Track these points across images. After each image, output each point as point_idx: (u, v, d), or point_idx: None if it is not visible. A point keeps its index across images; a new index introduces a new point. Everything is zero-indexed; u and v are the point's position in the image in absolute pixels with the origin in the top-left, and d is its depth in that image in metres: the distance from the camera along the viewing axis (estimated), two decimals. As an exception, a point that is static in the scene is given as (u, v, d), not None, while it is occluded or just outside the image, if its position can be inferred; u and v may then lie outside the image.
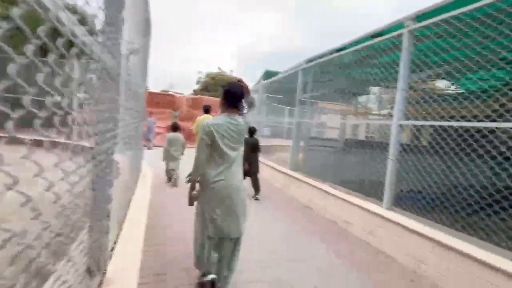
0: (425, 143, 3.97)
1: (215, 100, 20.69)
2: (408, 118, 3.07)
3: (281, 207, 4.47)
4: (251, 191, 4.85)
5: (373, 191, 3.60)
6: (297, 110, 5.39)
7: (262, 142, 9.76)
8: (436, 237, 2.44)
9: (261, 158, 7.42)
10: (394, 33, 3.12)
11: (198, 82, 35.96)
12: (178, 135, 5.39)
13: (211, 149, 1.92)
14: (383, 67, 4.17)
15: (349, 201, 3.60)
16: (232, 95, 2.01)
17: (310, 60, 5.24)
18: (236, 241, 2.05)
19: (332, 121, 6.66)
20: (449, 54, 3.02)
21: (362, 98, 8.78)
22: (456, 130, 2.62)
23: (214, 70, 35.72)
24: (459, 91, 5.37)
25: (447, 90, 6.11)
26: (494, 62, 2.49)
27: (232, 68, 66.45)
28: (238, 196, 1.97)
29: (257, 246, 2.90)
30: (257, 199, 4.74)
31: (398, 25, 3.15)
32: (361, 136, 7.41)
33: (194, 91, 34.24)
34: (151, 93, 19.13)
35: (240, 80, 2.13)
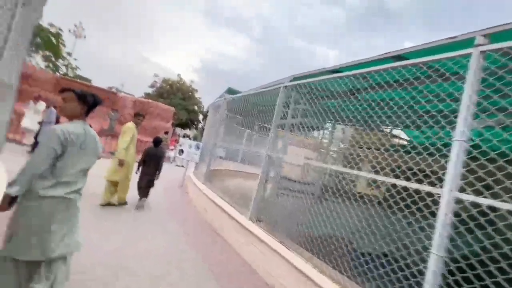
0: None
1: (164, 108, 18.32)
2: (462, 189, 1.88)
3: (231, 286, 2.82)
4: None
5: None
6: (271, 139, 3.99)
7: (213, 165, 8.08)
8: None
9: (203, 187, 5.72)
10: (459, 52, 1.99)
11: (152, 86, 32.77)
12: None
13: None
14: (395, 102, 3.11)
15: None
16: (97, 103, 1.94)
17: (296, 78, 4.00)
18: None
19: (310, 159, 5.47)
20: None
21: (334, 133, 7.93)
22: None
23: (173, 77, 33.16)
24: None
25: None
26: None
27: (193, 79, 63.79)
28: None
29: None
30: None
31: (465, 41, 2.05)
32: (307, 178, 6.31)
33: (146, 94, 30.89)
34: (93, 88, 15.98)
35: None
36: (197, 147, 7.64)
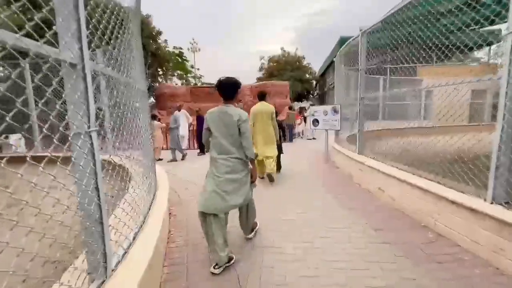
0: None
1: (279, 84, 17.71)
2: None
3: None
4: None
5: None
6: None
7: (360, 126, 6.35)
8: None
9: (363, 158, 4.13)
10: None
11: (261, 69, 33.61)
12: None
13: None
14: None
15: None
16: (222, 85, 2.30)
17: None
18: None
19: None
20: None
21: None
22: None
23: (277, 53, 32.52)
24: None
25: None
26: None
27: (296, 47, 60.97)
28: None
29: None
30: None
31: None
32: None
33: (258, 79, 32.02)
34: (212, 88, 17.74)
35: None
36: (334, 111, 6.19)
